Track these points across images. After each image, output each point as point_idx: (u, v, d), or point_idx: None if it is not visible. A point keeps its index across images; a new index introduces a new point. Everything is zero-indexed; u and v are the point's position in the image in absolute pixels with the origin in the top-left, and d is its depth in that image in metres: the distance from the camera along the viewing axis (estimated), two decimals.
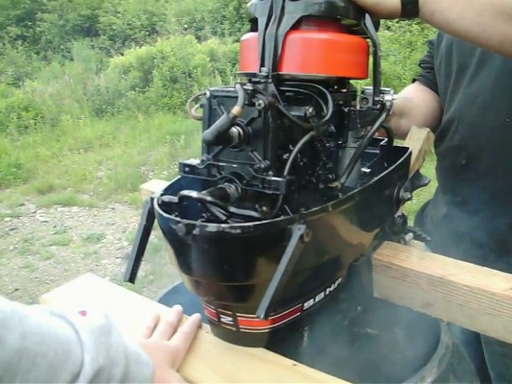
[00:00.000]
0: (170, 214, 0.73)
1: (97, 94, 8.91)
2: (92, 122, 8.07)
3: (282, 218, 0.69)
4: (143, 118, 7.97)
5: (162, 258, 3.77)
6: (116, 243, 4.55)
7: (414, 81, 1.47)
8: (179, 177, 0.84)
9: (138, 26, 12.08)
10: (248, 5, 0.83)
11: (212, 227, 0.66)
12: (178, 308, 0.92)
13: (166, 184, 0.85)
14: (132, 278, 0.79)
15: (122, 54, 10.23)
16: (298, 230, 0.66)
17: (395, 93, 0.99)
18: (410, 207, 2.82)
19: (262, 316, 0.64)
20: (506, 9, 0.84)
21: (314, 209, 0.71)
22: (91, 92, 8.94)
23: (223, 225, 0.66)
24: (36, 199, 5.65)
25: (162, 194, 0.79)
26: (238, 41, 9.95)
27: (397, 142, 1.02)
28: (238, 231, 0.65)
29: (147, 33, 11.85)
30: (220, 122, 0.67)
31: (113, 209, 5.37)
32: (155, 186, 1.31)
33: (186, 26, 10.42)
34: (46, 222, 5.10)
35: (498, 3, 0.84)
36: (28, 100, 8.55)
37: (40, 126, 7.96)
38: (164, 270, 3.76)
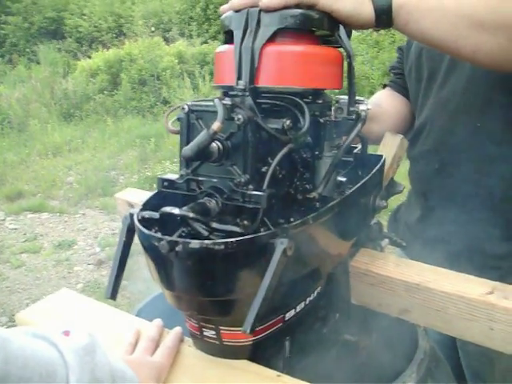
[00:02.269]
0: (149, 229, 0.72)
1: (64, 97, 8.77)
2: (60, 126, 7.94)
3: (264, 232, 0.69)
4: (112, 121, 7.87)
5: (135, 263, 3.74)
6: (88, 249, 4.49)
7: (384, 86, 1.49)
8: (157, 191, 0.83)
9: (105, 28, 11.93)
10: (222, 17, 0.83)
11: (195, 244, 0.66)
12: (158, 322, 0.92)
13: (143, 196, 0.84)
14: (113, 294, 0.78)
15: (90, 57, 10.09)
16: (281, 244, 0.66)
17: (368, 97, 0.99)
18: None
19: (248, 331, 0.64)
20: (481, 20, 0.85)
21: (295, 222, 0.71)
22: (59, 96, 8.79)
23: (206, 241, 0.66)
24: (5, 206, 5.54)
25: (141, 210, 0.78)
26: (206, 42, 9.99)
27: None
28: (222, 247, 0.65)
29: (114, 35, 11.71)
30: (200, 138, 0.67)
31: (83, 214, 5.30)
32: (130, 195, 1.31)
33: (153, 28, 10.33)
34: (15, 229, 5.00)
35: (475, 15, 0.86)
36: None
37: (7, 131, 7.81)
38: (137, 274, 3.72)
